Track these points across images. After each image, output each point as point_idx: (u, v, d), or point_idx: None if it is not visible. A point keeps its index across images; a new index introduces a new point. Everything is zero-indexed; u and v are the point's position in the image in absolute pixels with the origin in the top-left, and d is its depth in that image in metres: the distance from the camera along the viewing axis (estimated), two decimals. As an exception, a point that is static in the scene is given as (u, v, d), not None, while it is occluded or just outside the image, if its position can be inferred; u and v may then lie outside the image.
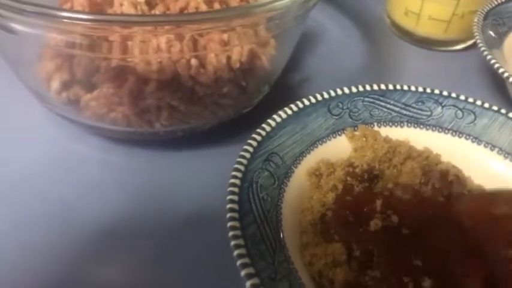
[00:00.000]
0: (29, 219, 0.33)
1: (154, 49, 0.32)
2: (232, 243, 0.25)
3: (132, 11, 0.36)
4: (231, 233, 0.26)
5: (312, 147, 0.33)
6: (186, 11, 0.38)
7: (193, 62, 0.32)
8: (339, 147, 0.34)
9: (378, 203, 0.29)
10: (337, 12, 0.57)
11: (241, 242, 0.25)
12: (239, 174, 0.29)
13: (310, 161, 0.33)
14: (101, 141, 0.39)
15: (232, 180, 0.28)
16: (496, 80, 0.48)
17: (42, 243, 0.32)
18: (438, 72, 0.51)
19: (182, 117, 0.35)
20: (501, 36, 0.46)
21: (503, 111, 0.35)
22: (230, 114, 0.37)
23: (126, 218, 0.34)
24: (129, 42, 0.32)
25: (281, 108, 0.34)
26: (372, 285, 0.26)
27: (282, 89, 0.44)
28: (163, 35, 0.30)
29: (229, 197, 0.27)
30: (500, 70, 0.40)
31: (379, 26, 0.56)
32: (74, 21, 0.29)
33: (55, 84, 0.36)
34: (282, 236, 0.28)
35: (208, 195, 0.34)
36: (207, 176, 0.37)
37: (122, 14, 0.34)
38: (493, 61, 0.41)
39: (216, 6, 0.39)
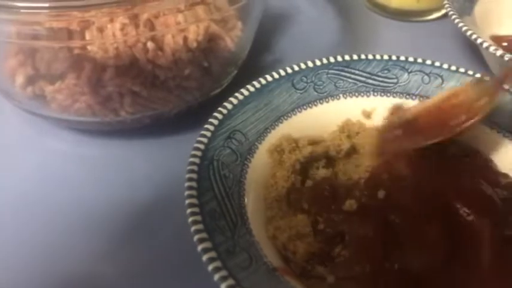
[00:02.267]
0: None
1: (110, 36, 0.32)
2: (190, 219, 0.25)
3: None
4: (188, 210, 0.25)
5: (276, 123, 0.33)
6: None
7: (150, 45, 0.32)
8: (304, 122, 0.34)
9: (361, 181, 0.29)
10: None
11: (198, 218, 0.25)
12: (199, 153, 0.29)
13: (275, 136, 0.32)
14: (71, 134, 0.39)
15: (191, 159, 0.28)
16: (471, 47, 0.47)
17: (14, 238, 0.32)
18: (414, 44, 0.50)
19: (146, 103, 0.35)
20: (472, 2, 0.46)
21: (470, 72, 0.35)
22: (197, 97, 0.37)
23: (99, 208, 0.34)
24: (87, 31, 0.32)
25: (250, 86, 0.34)
26: (339, 262, 0.26)
27: (253, 71, 0.44)
28: (121, 15, 0.29)
29: (188, 175, 0.27)
30: (473, 36, 0.39)
31: (352, 1, 0.56)
32: (33, 11, 0.29)
33: (19, 79, 0.36)
34: (244, 210, 0.27)
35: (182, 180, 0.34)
36: (180, 161, 0.36)
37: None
38: (464, 28, 0.40)
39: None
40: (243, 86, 0.34)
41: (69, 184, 0.35)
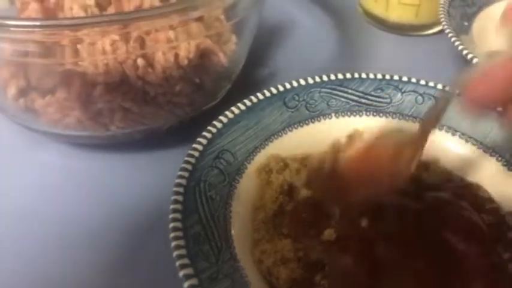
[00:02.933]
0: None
1: (100, 52, 0.31)
2: (173, 244, 0.25)
3: (82, 14, 0.36)
4: (172, 234, 0.25)
5: (266, 142, 0.33)
6: (140, 11, 0.38)
7: (140, 61, 0.32)
8: (295, 141, 0.33)
9: (337, 210, 0.28)
10: (307, 2, 0.56)
11: (181, 242, 0.25)
12: (185, 174, 0.28)
13: (264, 156, 0.32)
14: (61, 147, 0.38)
15: (177, 180, 0.28)
16: (465, 61, 0.47)
17: (5, 251, 0.32)
18: (411, 58, 0.50)
19: (137, 118, 0.35)
20: (470, 18, 0.45)
21: (464, 94, 0.34)
22: (188, 112, 0.37)
23: (89, 222, 0.34)
24: (79, 46, 0.31)
25: (241, 102, 0.34)
26: None
27: (249, 85, 0.44)
28: (113, 33, 0.29)
29: (173, 197, 0.27)
30: (469, 56, 0.39)
31: (350, 14, 0.55)
32: (23, 29, 0.29)
33: (11, 91, 0.36)
34: (230, 234, 0.27)
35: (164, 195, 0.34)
36: (171, 176, 0.36)
37: (68, 18, 0.33)
38: (460, 47, 0.40)
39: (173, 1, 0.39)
40: (237, 100, 0.34)
41: (59, 197, 0.35)
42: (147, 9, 0.33)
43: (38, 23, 0.29)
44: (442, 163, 0.33)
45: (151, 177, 0.37)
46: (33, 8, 0.37)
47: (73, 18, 0.35)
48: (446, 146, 0.34)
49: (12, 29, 0.29)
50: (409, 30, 0.52)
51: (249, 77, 0.45)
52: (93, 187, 0.36)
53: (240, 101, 0.34)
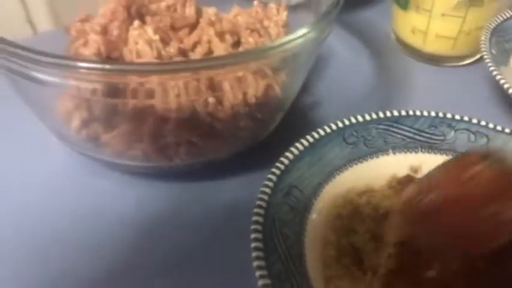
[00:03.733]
0: (50, 257, 0.34)
1: (171, 88, 0.32)
2: (260, 283, 0.26)
3: (147, 49, 0.37)
4: (257, 273, 0.26)
5: (330, 178, 0.34)
6: (198, 45, 0.40)
7: (211, 100, 0.33)
8: (355, 177, 0.35)
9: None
10: (345, 32, 0.57)
11: (268, 281, 0.26)
12: (261, 211, 0.30)
13: (329, 191, 0.33)
14: (118, 175, 0.39)
15: (255, 218, 0.29)
16: (503, 92, 0.48)
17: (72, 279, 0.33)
18: (447, 88, 0.52)
19: (201, 152, 0.36)
20: (508, 53, 0.47)
21: (516, 133, 0.36)
22: (247, 144, 0.38)
23: (144, 250, 0.35)
24: (147, 84, 0.33)
25: (294, 134, 0.35)
26: None
27: (295, 114, 0.45)
28: (180, 79, 0.31)
29: (253, 235, 0.28)
30: (506, 86, 0.40)
31: (386, 44, 0.57)
32: (90, 71, 0.30)
33: (75, 122, 0.37)
34: (306, 271, 0.28)
35: (225, 227, 0.35)
36: (223, 206, 0.37)
37: (138, 63, 0.35)
38: (502, 81, 0.41)
39: (228, 38, 0.40)
40: (287, 129, 0.35)
41: (117, 225, 0.36)
42: (214, 58, 0.34)
43: (106, 66, 0.30)
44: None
45: (209, 205, 0.38)
46: (94, 39, 0.39)
47: (141, 63, 0.36)
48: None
49: (80, 70, 0.30)
50: (443, 61, 0.53)
51: (294, 105, 0.46)
52: (151, 214, 0.37)
53: (290, 130, 0.35)
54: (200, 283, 0.33)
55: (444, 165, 0.28)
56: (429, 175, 0.29)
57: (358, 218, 0.32)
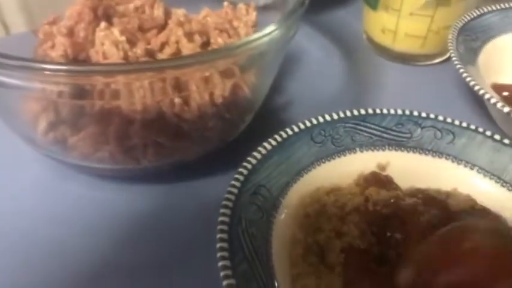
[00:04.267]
0: (17, 261, 0.33)
1: (137, 89, 0.32)
2: (224, 283, 0.26)
3: (113, 50, 0.36)
4: (222, 273, 0.26)
5: (297, 177, 0.34)
6: (166, 45, 0.39)
7: (177, 100, 0.33)
8: (322, 175, 0.35)
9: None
10: (316, 32, 0.58)
11: (232, 281, 0.26)
12: (228, 211, 0.29)
13: (297, 190, 0.33)
14: (87, 178, 0.39)
15: (221, 218, 0.29)
16: (470, 91, 0.49)
17: (32, 284, 0.32)
18: (417, 87, 0.52)
19: (168, 153, 0.36)
20: (475, 51, 0.47)
21: (480, 129, 0.36)
22: (216, 144, 0.38)
23: (113, 254, 0.34)
24: (113, 85, 0.32)
25: (265, 134, 0.35)
26: None
27: (265, 114, 0.45)
28: (146, 79, 0.30)
29: (218, 235, 0.28)
30: (476, 87, 0.41)
31: (357, 44, 0.57)
32: (56, 73, 0.29)
33: (42, 125, 0.37)
34: (273, 271, 0.28)
35: (195, 228, 0.35)
36: (194, 208, 0.37)
37: (104, 64, 0.34)
38: (468, 78, 0.42)
39: (197, 39, 0.40)
40: (257, 130, 0.35)
41: (86, 228, 0.36)
42: (180, 58, 0.34)
43: (70, 68, 0.30)
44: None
45: (180, 207, 0.37)
46: (61, 42, 0.38)
47: (106, 64, 0.35)
48: (465, 179, 0.35)
49: (46, 72, 0.29)
50: (414, 60, 0.54)
51: (265, 105, 0.46)
52: (121, 218, 0.37)
53: (260, 130, 0.35)
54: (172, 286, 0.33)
55: (440, 237, 0.28)
56: (422, 252, 0.28)
57: (325, 216, 0.32)
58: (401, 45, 0.53)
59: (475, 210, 0.33)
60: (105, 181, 0.39)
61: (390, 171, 0.36)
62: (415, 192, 0.34)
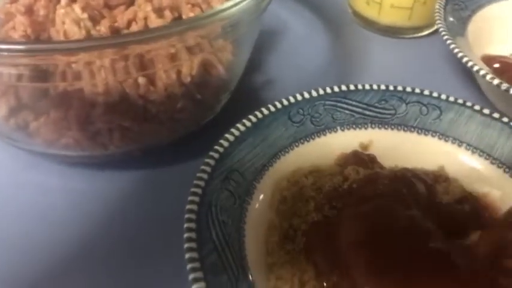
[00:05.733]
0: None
1: (98, 69, 0.30)
2: (191, 276, 0.24)
3: (75, 29, 0.34)
4: (189, 266, 0.24)
5: (274, 159, 0.32)
6: (134, 23, 0.37)
7: (141, 80, 0.30)
8: (301, 157, 0.33)
9: None
10: (298, 6, 0.55)
11: (199, 274, 0.24)
12: (196, 199, 0.27)
13: (273, 174, 0.31)
14: (56, 167, 0.37)
15: (188, 206, 0.27)
16: (462, 64, 0.47)
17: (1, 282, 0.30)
18: (404, 60, 0.50)
19: (137, 137, 0.33)
20: (464, 22, 0.45)
21: (468, 104, 0.34)
22: (189, 127, 0.36)
23: (88, 244, 0.33)
24: (73, 65, 0.30)
25: (244, 115, 0.33)
26: None
27: (244, 93, 0.43)
28: (110, 56, 0.28)
29: (186, 225, 0.26)
30: (464, 59, 0.39)
31: (341, 17, 0.55)
32: (12, 53, 0.27)
33: (2, 111, 0.34)
34: (245, 261, 0.26)
35: (167, 216, 0.33)
36: (170, 194, 0.35)
37: (64, 41, 0.32)
38: (456, 50, 0.40)
39: (167, 14, 0.38)
40: (235, 111, 0.33)
41: (57, 220, 0.34)
42: (144, 31, 0.31)
43: (28, 47, 0.28)
44: (449, 173, 0.33)
45: (152, 194, 0.36)
46: (20, 21, 0.36)
47: (65, 41, 0.33)
48: (453, 156, 0.33)
49: (1, 53, 0.27)
50: (400, 33, 0.52)
51: (245, 84, 0.44)
52: (93, 207, 0.35)
53: (239, 110, 0.33)
54: (140, 277, 0.31)
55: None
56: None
57: (302, 199, 0.30)
58: (387, 18, 0.50)
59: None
60: (76, 169, 0.37)
61: (373, 151, 0.34)
62: (399, 172, 0.32)
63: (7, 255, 0.32)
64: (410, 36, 0.52)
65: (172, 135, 0.35)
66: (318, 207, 0.30)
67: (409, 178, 0.31)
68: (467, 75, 0.46)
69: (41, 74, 0.30)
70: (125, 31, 0.36)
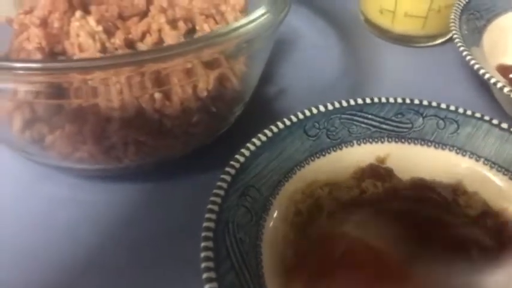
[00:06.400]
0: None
1: (113, 84, 0.30)
2: (209, 299, 0.24)
3: (90, 41, 0.34)
4: (206, 286, 0.24)
5: (290, 174, 0.32)
6: (148, 34, 0.37)
7: (157, 95, 0.30)
8: (317, 171, 0.32)
9: None
10: (311, 14, 0.55)
11: (218, 295, 0.24)
12: (213, 216, 0.27)
13: (289, 189, 0.31)
14: (69, 179, 0.37)
15: (205, 224, 0.27)
16: (474, 73, 0.46)
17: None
18: (418, 69, 0.50)
19: (151, 151, 0.33)
20: (480, 31, 0.45)
21: (486, 118, 0.34)
22: (203, 140, 0.36)
23: (99, 256, 0.32)
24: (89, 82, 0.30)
25: (258, 125, 0.32)
26: None
27: (258, 104, 0.43)
28: (125, 74, 0.28)
29: (203, 243, 0.26)
30: (481, 72, 0.38)
31: (354, 26, 0.54)
32: (29, 72, 0.27)
33: (17, 124, 0.34)
34: (262, 280, 0.26)
35: (181, 230, 0.33)
36: (183, 207, 0.35)
37: (80, 59, 0.32)
38: (472, 62, 0.39)
39: (181, 25, 0.38)
40: (249, 122, 0.33)
41: (67, 231, 0.34)
42: (161, 49, 0.31)
43: (44, 65, 0.28)
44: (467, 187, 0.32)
45: (164, 207, 0.35)
46: (35, 33, 0.36)
47: (81, 60, 0.33)
48: (471, 171, 0.33)
49: (18, 71, 0.27)
50: (414, 42, 0.51)
51: (258, 95, 0.43)
52: (104, 219, 0.35)
53: (252, 121, 0.33)
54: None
55: None
56: None
57: (318, 211, 0.30)
58: (401, 26, 0.50)
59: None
60: (88, 181, 0.37)
61: (390, 164, 0.34)
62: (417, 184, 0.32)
63: (20, 265, 0.32)
64: (424, 45, 0.51)
65: (186, 148, 0.35)
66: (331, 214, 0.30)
67: (430, 189, 0.31)
68: (482, 84, 0.45)
69: (56, 91, 0.29)
70: (140, 44, 0.36)
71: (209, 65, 0.31)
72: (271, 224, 0.29)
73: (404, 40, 0.51)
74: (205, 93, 0.31)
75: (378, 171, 0.33)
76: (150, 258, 0.32)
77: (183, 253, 0.31)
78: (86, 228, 0.34)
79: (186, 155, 0.37)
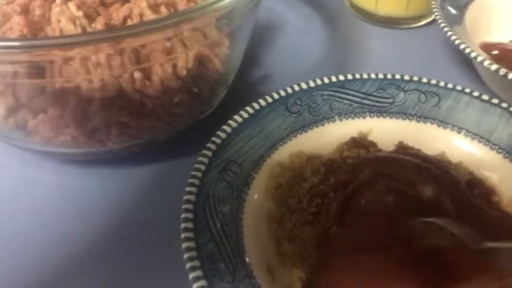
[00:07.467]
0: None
1: (93, 65, 0.30)
2: (188, 265, 0.24)
3: (71, 26, 0.34)
4: (185, 255, 0.24)
5: (272, 150, 0.32)
6: (129, 19, 0.37)
7: (137, 75, 0.30)
8: (299, 147, 0.32)
9: None
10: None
11: (196, 263, 0.24)
12: (193, 189, 0.27)
13: (271, 164, 0.31)
14: (54, 164, 0.37)
15: (186, 197, 0.27)
16: (461, 53, 0.47)
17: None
18: (403, 51, 0.50)
19: (134, 132, 0.33)
20: (462, 10, 0.45)
21: (467, 90, 0.34)
22: (187, 122, 0.36)
23: (87, 240, 0.32)
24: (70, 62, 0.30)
25: (242, 109, 0.32)
26: None
27: (242, 88, 0.43)
28: (106, 50, 0.28)
29: (183, 215, 0.26)
30: (462, 46, 0.38)
31: (339, 10, 0.54)
32: (8, 50, 0.27)
33: (1, 111, 0.35)
34: (243, 250, 0.26)
35: (168, 210, 0.33)
36: (169, 189, 0.35)
37: (59, 36, 0.32)
38: (454, 37, 0.39)
39: (163, 10, 0.38)
40: (233, 105, 0.33)
41: (54, 216, 0.34)
42: (139, 24, 0.31)
43: (23, 43, 0.28)
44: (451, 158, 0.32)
45: (151, 189, 0.36)
46: (17, 22, 0.36)
47: (61, 37, 0.33)
48: (452, 143, 0.33)
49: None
50: (398, 24, 0.51)
51: (243, 79, 0.44)
52: (91, 204, 0.35)
53: (237, 105, 0.33)
54: (141, 271, 0.31)
55: None
56: None
57: (298, 181, 0.30)
58: (385, 8, 0.50)
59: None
60: (74, 166, 0.37)
61: (373, 139, 0.34)
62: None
63: (7, 248, 0.32)
64: (408, 26, 0.52)
65: (170, 130, 0.35)
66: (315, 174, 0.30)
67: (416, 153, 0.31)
68: (466, 63, 0.46)
69: (38, 71, 0.30)
70: (120, 27, 0.36)
71: (188, 43, 0.31)
72: (255, 197, 0.30)
73: (389, 22, 0.51)
74: (184, 72, 0.32)
75: (361, 143, 0.33)
76: (136, 241, 0.32)
77: (171, 231, 0.32)
78: (71, 213, 0.34)
79: (171, 137, 0.37)
